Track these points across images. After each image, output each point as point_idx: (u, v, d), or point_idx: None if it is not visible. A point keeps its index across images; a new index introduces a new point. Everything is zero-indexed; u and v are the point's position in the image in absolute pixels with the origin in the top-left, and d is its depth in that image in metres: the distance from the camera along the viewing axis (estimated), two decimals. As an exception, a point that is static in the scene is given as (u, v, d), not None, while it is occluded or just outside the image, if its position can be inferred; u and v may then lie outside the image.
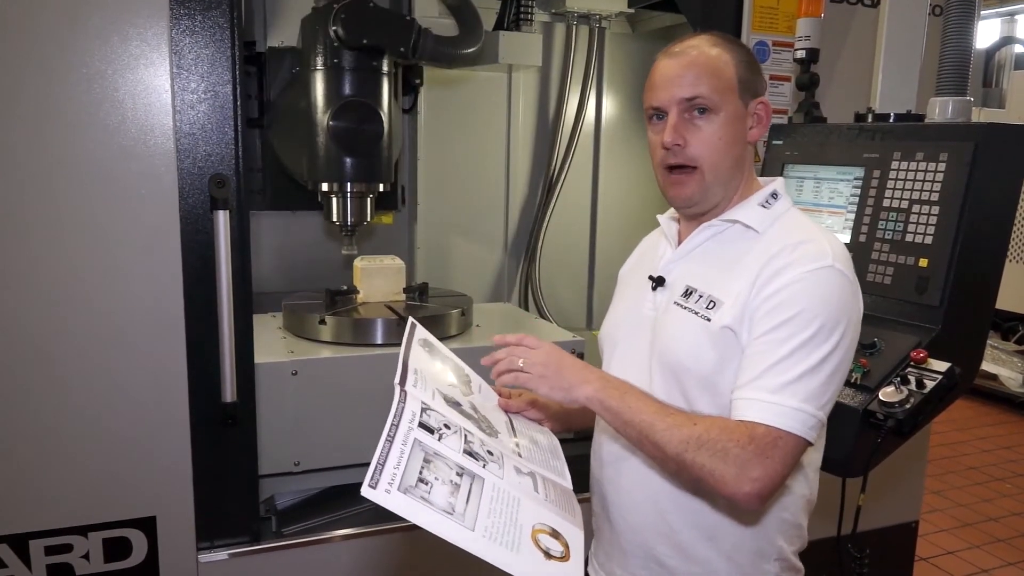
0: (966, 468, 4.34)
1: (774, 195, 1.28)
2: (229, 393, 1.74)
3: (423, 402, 1.17)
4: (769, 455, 1.09)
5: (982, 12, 7.10)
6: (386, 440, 1.07)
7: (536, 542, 1.08)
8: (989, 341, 5.43)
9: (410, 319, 1.39)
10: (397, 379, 1.21)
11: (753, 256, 1.21)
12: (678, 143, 1.22)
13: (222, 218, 1.67)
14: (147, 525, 1.73)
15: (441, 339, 2.15)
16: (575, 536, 1.12)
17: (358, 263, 2.39)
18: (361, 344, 2.11)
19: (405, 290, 2.39)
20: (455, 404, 1.25)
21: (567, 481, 1.24)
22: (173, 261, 1.66)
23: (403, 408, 1.13)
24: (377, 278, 2.37)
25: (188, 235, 1.67)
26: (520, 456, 1.23)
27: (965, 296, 1.57)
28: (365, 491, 1.00)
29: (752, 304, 1.17)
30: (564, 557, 1.08)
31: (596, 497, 1.40)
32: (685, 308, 1.25)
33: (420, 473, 1.05)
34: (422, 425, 1.12)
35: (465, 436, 1.16)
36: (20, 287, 1.57)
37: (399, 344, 2.09)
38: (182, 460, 1.73)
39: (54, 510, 1.66)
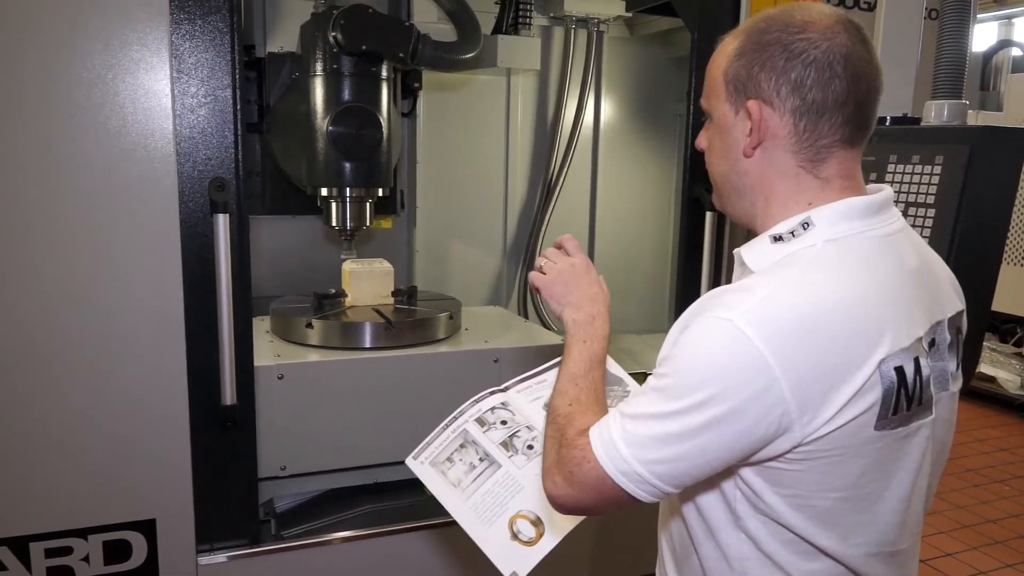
0: (964, 470, 4.34)
1: (805, 224, 0.98)
2: (229, 396, 1.74)
3: (504, 402, 1.38)
4: (572, 471, 0.99)
5: (980, 15, 7.12)
6: (443, 426, 1.35)
7: (511, 524, 1.24)
8: (988, 343, 5.45)
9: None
10: (507, 384, 1.41)
11: None
12: (699, 146, 1.12)
13: (222, 221, 1.68)
14: (147, 527, 1.73)
15: (429, 343, 2.22)
16: (557, 528, 1.23)
17: (346, 266, 2.39)
18: (348, 348, 2.11)
19: (394, 293, 2.38)
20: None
21: None
22: (173, 264, 1.66)
23: (475, 405, 1.37)
24: (365, 281, 2.36)
25: (188, 238, 1.68)
26: None
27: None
28: (408, 460, 1.33)
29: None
30: (531, 542, 1.22)
31: (660, 550, 1.28)
32: None
33: (451, 454, 1.31)
34: (478, 420, 1.35)
35: (516, 431, 1.33)
36: (21, 290, 1.57)
37: (386, 347, 2.13)
38: (182, 463, 1.74)
39: (54, 512, 1.66)
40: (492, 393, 1.38)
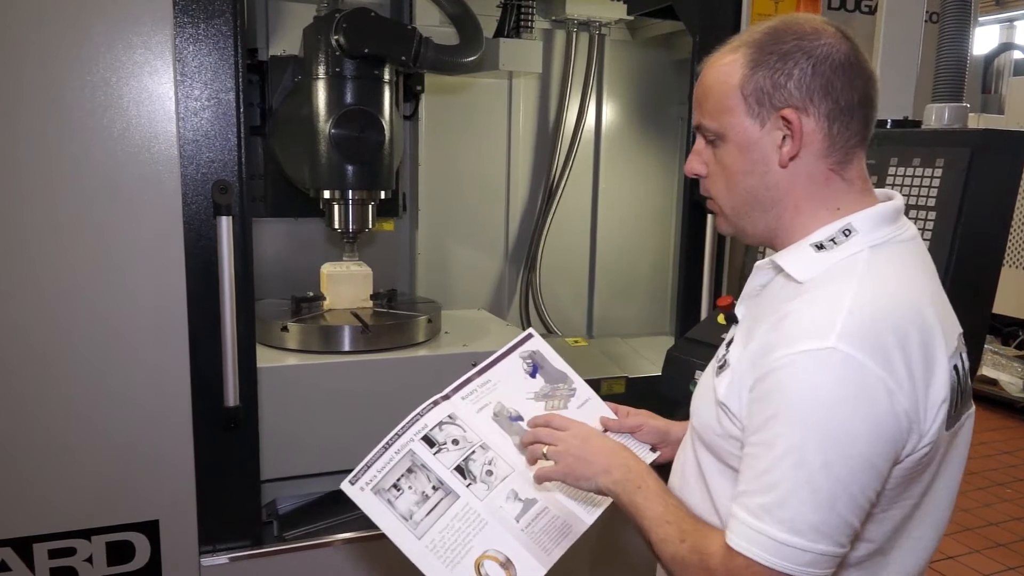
0: (967, 473, 4.28)
1: (846, 231, 0.98)
2: (232, 397, 1.75)
3: (452, 414, 1.23)
4: None
5: (981, 18, 7.12)
6: (383, 446, 1.18)
7: (478, 566, 1.11)
8: (989, 346, 5.45)
9: (529, 330, 1.39)
10: (447, 390, 1.26)
11: (774, 315, 0.96)
12: (696, 173, 1.07)
13: (225, 224, 1.68)
14: (150, 529, 1.73)
15: (407, 346, 2.19)
16: (530, 571, 1.12)
17: (324, 269, 2.38)
18: (324, 352, 2.10)
19: (373, 296, 2.38)
20: (513, 418, 1.28)
21: (588, 516, 1.22)
22: (176, 266, 1.67)
23: (418, 419, 1.21)
24: (343, 284, 2.35)
25: (191, 240, 1.68)
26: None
27: (962, 301, 1.57)
28: (344, 486, 1.14)
29: (744, 382, 0.96)
30: None
31: None
32: (716, 360, 1.09)
33: (398, 480, 1.15)
34: (426, 438, 1.20)
35: (471, 453, 1.20)
36: (24, 292, 1.58)
37: (364, 351, 2.07)
38: (185, 464, 1.74)
39: (57, 514, 1.67)
40: (435, 403, 1.24)
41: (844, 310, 0.89)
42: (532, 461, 1.20)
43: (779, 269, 1.02)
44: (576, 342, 2.81)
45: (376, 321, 2.19)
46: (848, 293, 0.91)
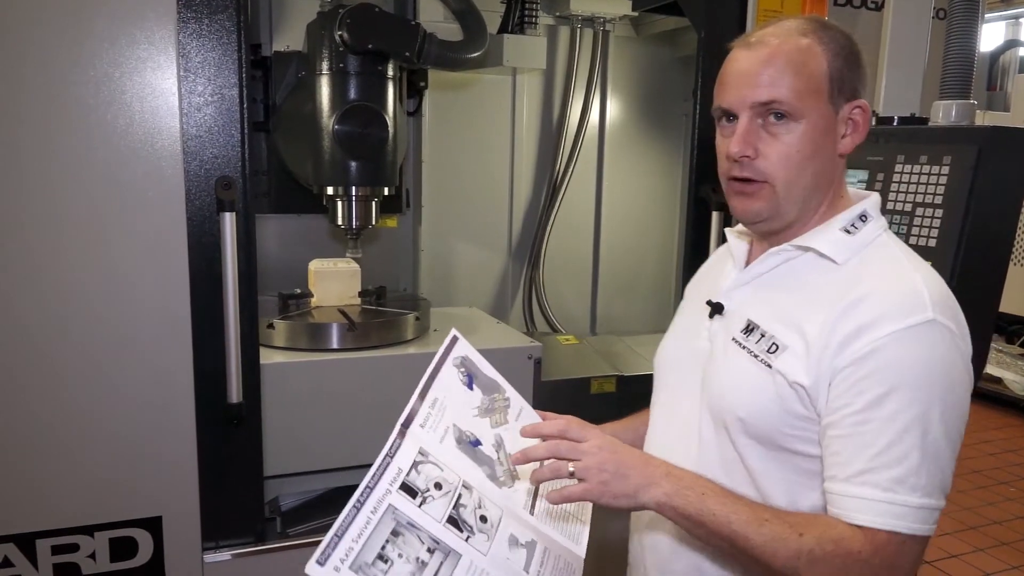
0: (970, 472, 4.33)
1: (863, 217, 1.07)
2: (235, 394, 1.75)
3: (422, 449, 1.00)
4: (898, 564, 0.94)
5: (987, 15, 7.10)
6: (353, 507, 0.92)
7: None
8: (994, 345, 5.44)
9: (452, 332, 1.17)
10: (401, 419, 1.02)
11: (828, 296, 1.01)
12: (747, 155, 1.04)
13: (228, 220, 1.68)
14: (153, 525, 1.73)
15: (395, 344, 2.13)
16: None
17: (312, 266, 2.36)
18: (311, 349, 2.07)
19: (361, 293, 2.36)
20: (473, 443, 1.08)
21: (580, 546, 1.09)
22: (179, 262, 1.67)
23: (389, 463, 0.97)
24: (331, 281, 2.33)
25: (194, 236, 1.68)
26: (532, 513, 1.07)
27: (969, 299, 1.56)
28: (310, 568, 0.88)
29: (833, 363, 0.98)
30: None
31: (634, 559, 1.25)
32: (744, 348, 1.07)
33: (383, 548, 0.91)
34: (405, 487, 0.96)
35: (459, 497, 0.99)
36: (27, 288, 1.58)
37: (350, 349, 1.97)
38: (188, 460, 1.74)
39: (60, 510, 1.67)
40: (401, 438, 1.00)
41: (922, 286, 0.98)
42: (543, 480, 1.04)
43: (801, 252, 1.08)
44: (567, 340, 2.80)
45: (363, 319, 2.18)
46: (910, 270, 1.01)
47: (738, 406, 1.06)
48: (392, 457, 0.97)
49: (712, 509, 0.98)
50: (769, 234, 1.12)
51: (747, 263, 1.16)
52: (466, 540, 0.96)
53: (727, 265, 1.21)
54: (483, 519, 0.99)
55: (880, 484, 0.93)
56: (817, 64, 1.03)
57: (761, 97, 1.02)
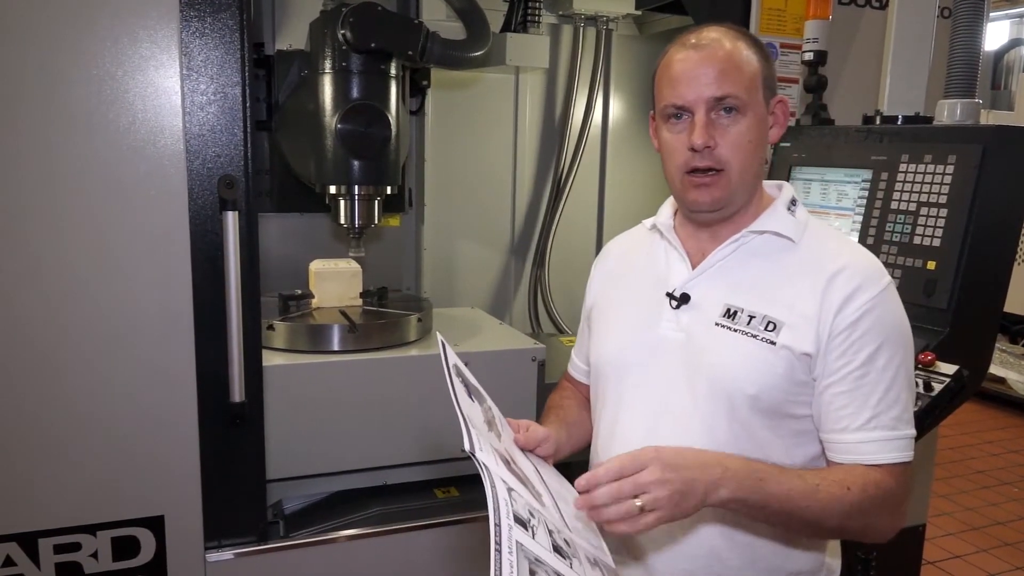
0: (973, 471, 4.32)
1: (794, 201, 1.23)
2: (237, 393, 1.74)
3: (503, 478, 0.89)
4: (909, 488, 1.12)
5: (992, 14, 7.07)
6: (495, 549, 0.80)
7: None
8: (998, 345, 5.41)
9: (438, 337, 1.12)
10: (468, 445, 0.91)
11: (803, 271, 1.15)
12: (709, 145, 1.13)
13: (231, 219, 1.68)
14: (155, 524, 1.73)
15: (397, 346, 2.08)
16: None
17: (312, 266, 2.35)
18: (312, 351, 2.06)
19: (363, 294, 2.35)
20: (507, 462, 0.99)
21: (607, 554, 1.08)
22: (182, 261, 1.67)
23: (496, 495, 0.85)
24: (331, 282, 2.31)
25: (197, 236, 1.68)
26: (570, 530, 1.01)
27: (973, 299, 1.57)
28: None
29: (830, 329, 1.11)
30: None
31: (622, 546, 1.23)
32: (736, 331, 1.15)
33: None
34: (517, 519, 0.84)
35: (546, 523, 0.91)
36: (29, 287, 1.58)
37: (351, 351, 1.93)
38: (190, 459, 1.74)
39: (63, 509, 1.67)
40: (486, 467, 0.90)
41: (871, 255, 1.16)
42: (607, 522, 0.97)
43: (755, 235, 1.19)
44: (571, 341, 2.79)
45: (364, 320, 2.17)
46: (855, 244, 1.21)
47: (748, 384, 1.13)
48: (495, 487, 0.86)
49: (772, 492, 1.04)
50: (714, 222, 1.21)
51: (687, 252, 1.25)
52: (570, 567, 0.88)
53: (669, 256, 1.28)
54: (567, 542, 0.92)
55: (887, 425, 1.10)
56: (751, 64, 1.16)
57: (716, 92, 1.13)
